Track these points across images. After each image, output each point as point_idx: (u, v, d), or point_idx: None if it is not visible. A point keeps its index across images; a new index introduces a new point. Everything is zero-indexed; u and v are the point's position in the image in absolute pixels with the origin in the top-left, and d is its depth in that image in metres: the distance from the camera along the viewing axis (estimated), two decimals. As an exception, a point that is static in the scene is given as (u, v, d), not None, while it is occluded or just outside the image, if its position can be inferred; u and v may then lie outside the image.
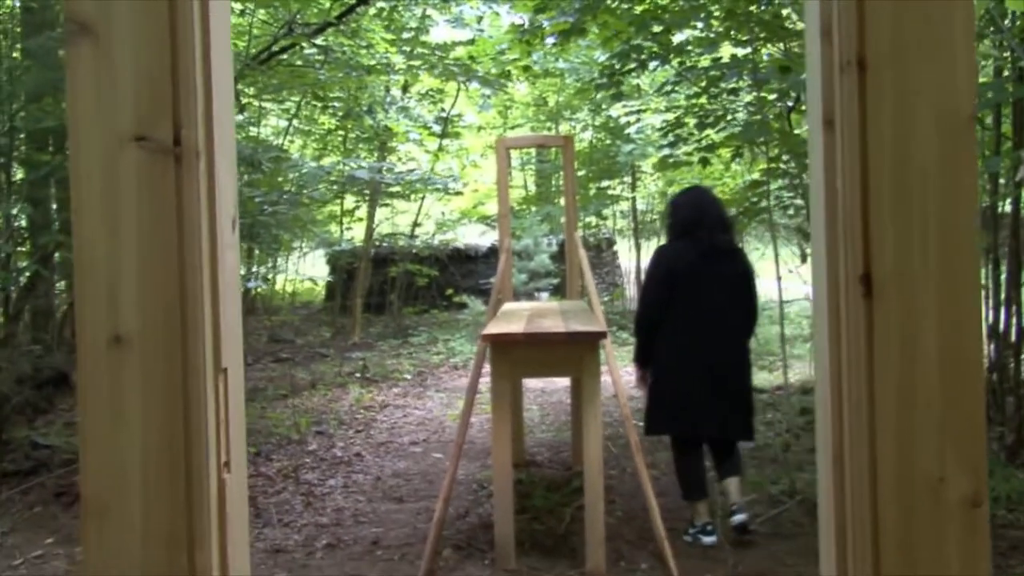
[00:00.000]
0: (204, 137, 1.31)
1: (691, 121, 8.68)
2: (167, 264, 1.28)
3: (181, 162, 1.29)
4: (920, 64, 1.29)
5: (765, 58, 7.79)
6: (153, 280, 1.27)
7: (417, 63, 12.18)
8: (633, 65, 8.04)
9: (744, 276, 5.88)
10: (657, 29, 7.60)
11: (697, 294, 5.69)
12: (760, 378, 11.51)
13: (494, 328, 5.67)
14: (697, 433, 5.78)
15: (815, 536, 5.48)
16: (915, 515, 1.28)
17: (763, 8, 7.43)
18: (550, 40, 8.99)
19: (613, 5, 7.70)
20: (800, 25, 7.89)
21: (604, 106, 16.87)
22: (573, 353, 5.41)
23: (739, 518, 5.60)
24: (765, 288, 15.85)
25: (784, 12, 7.81)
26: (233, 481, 1.36)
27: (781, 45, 8.08)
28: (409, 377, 12.41)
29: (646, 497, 5.43)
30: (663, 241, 6.49)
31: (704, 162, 8.63)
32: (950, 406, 1.27)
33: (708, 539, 5.61)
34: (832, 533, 1.40)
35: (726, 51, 8.14)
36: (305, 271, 20.26)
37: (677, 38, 7.93)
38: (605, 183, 17.73)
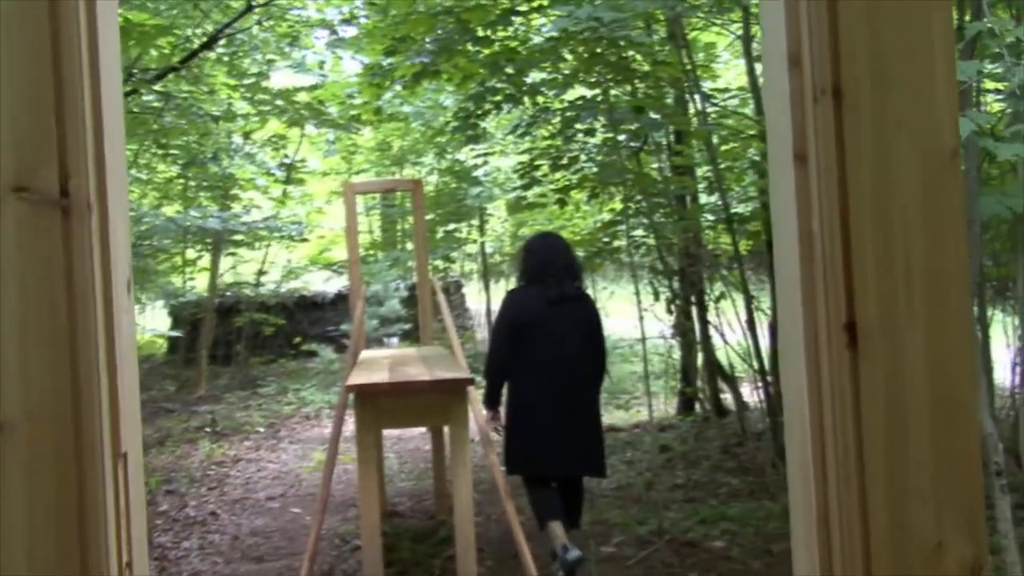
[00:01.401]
0: (96, 186, 1.13)
1: (545, 164, 8.66)
2: (55, 334, 1.09)
3: (70, 216, 1.10)
4: (900, 93, 1.19)
5: (617, 99, 7.82)
6: (39, 353, 1.08)
7: (265, 108, 11.93)
8: (488, 107, 7.99)
9: (591, 321, 6.03)
10: (510, 71, 7.56)
11: (544, 339, 5.79)
12: (616, 417, 11.57)
13: (358, 378, 5.51)
14: (547, 473, 5.85)
15: (687, 576, 5.46)
16: (912, 584, 1.18)
17: (608, 52, 7.46)
18: (400, 84, 8.90)
19: (466, 48, 7.64)
20: (645, 67, 7.96)
21: (450, 150, 16.85)
22: (440, 401, 5.30)
23: (574, 554, 5.50)
24: (619, 327, 16.11)
25: (630, 54, 7.86)
26: (136, 584, 1.19)
27: (628, 87, 8.14)
28: (261, 430, 12.06)
29: (517, 544, 5.31)
30: (512, 284, 6.58)
31: (561, 203, 8.62)
32: (944, 464, 1.17)
33: (572, 554, 5.47)
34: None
35: (577, 93, 8.15)
36: (146, 323, 19.66)
37: (530, 79, 7.91)
38: (452, 226, 17.67)
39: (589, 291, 7.86)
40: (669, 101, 8.82)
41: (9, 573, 1.09)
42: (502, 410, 6.10)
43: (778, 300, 1.35)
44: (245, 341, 17.02)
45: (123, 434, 1.16)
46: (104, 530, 1.10)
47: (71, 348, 1.10)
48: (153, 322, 20.26)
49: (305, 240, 17.94)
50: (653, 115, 7.82)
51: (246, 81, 12.33)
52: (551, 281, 5.92)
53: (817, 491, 1.21)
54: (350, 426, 6.85)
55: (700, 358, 9.98)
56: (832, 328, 1.18)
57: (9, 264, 1.08)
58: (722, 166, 8.53)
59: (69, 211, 1.11)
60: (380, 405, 5.26)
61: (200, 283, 17.71)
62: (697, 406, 10.45)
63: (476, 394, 5.81)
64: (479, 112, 8.31)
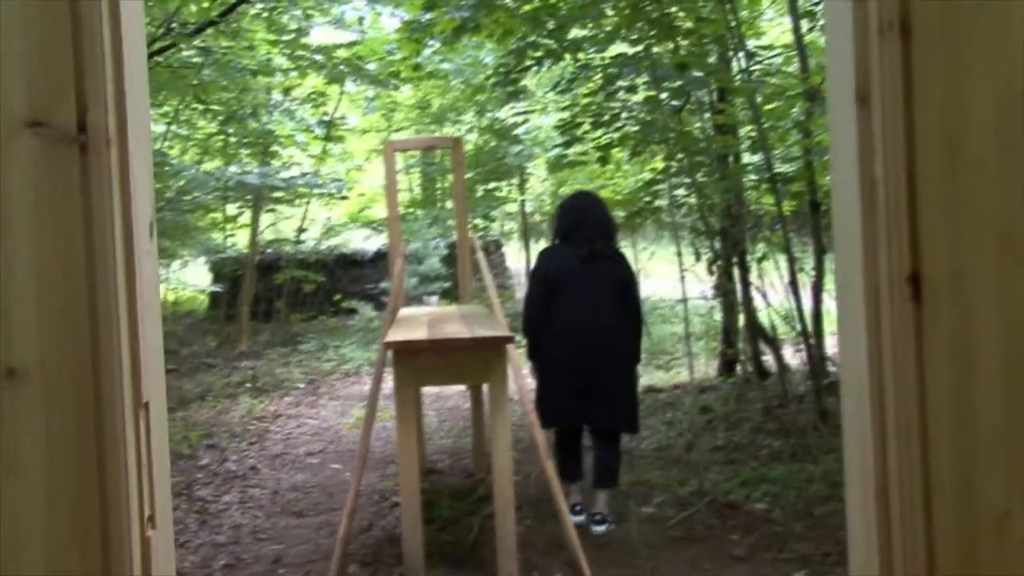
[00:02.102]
0: (116, 122, 1.06)
1: (587, 121, 8.55)
2: (73, 278, 1.03)
3: (88, 152, 1.03)
4: (974, 31, 1.08)
5: (659, 57, 7.70)
6: (55, 298, 1.02)
7: (303, 64, 11.86)
8: (529, 63, 7.89)
9: (623, 280, 6.12)
10: (551, 26, 7.46)
11: (574, 296, 5.93)
12: (657, 377, 11.50)
13: (396, 335, 5.47)
14: (573, 426, 6.09)
15: (727, 538, 5.42)
16: (978, 555, 1.09)
17: (650, 7, 7.34)
18: (439, 40, 8.81)
19: (506, 2, 7.54)
20: (688, 23, 7.83)
21: (491, 108, 16.75)
22: (479, 359, 5.23)
23: (598, 529, 5.87)
24: (660, 287, 16.01)
25: (672, 10, 7.73)
26: (159, 539, 1.13)
27: (671, 44, 8.02)
28: (301, 386, 12.09)
29: (556, 504, 5.27)
30: (549, 243, 6.65)
31: (602, 161, 8.52)
32: (1016, 430, 1.08)
33: (576, 519, 5.69)
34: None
35: (618, 49, 8.04)
36: (187, 279, 19.74)
37: (571, 35, 7.81)
38: (493, 185, 17.60)
39: (629, 250, 7.88)
40: (712, 60, 8.68)
41: (27, 526, 1.04)
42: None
43: (836, 251, 1.26)
44: (285, 298, 17.06)
45: (145, 382, 1.10)
46: (125, 482, 1.05)
47: (89, 292, 1.04)
48: (195, 278, 20.35)
49: (345, 198, 17.91)
50: (697, 73, 7.70)
51: (285, 37, 12.26)
52: (582, 239, 6.04)
53: (876, 457, 1.12)
54: (389, 383, 6.83)
55: (741, 319, 9.87)
56: (895, 281, 1.09)
57: (24, 203, 1.02)
58: (766, 125, 8.39)
59: (87, 147, 1.04)
60: (419, 362, 5.21)
61: (241, 239, 17.73)
62: (738, 368, 10.34)
63: (516, 352, 5.78)
64: (519, 68, 8.21)
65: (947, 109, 1.10)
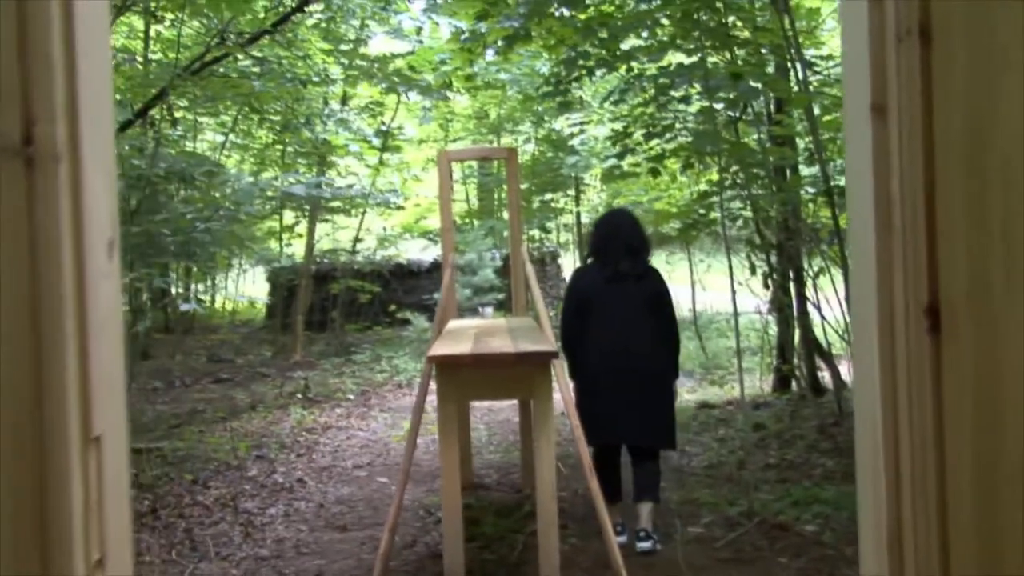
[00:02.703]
0: (67, 134, 0.98)
1: (638, 132, 8.46)
2: (14, 303, 0.96)
3: (34, 167, 0.96)
4: (1000, 34, 0.97)
5: (714, 67, 7.59)
6: None
7: (354, 73, 11.88)
8: (580, 72, 7.81)
9: (655, 296, 6.11)
10: (603, 35, 7.37)
11: (603, 314, 5.99)
12: (710, 393, 11.37)
13: (440, 348, 5.40)
14: (610, 444, 6.05)
15: (776, 560, 5.28)
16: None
17: (706, 17, 7.23)
18: (492, 50, 8.76)
19: (558, 13, 7.46)
20: (745, 33, 7.72)
21: (547, 118, 16.71)
22: (523, 374, 5.15)
23: (643, 546, 5.77)
24: (715, 300, 15.83)
25: (729, 20, 7.62)
26: (109, 584, 1.06)
27: (727, 54, 7.91)
28: (352, 397, 12.08)
29: (601, 522, 5.17)
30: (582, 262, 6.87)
31: (654, 172, 8.42)
32: None
33: (618, 539, 5.43)
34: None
35: (673, 59, 7.94)
36: (245, 289, 19.91)
37: (624, 46, 7.71)
38: (548, 196, 17.55)
39: (683, 263, 7.78)
40: (770, 70, 8.55)
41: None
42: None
43: (851, 276, 1.15)
44: (341, 308, 17.10)
45: (97, 415, 1.02)
46: (69, 524, 0.98)
47: (32, 317, 0.96)
48: (252, 287, 20.50)
49: (401, 208, 17.96)
50: (752, 83, 7.58)
51: (343, 47, 12.29)
52: (609, 259, 6.10)
53: (889, 505, 1.02)
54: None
55: (797, 334, 9.72)
56: (911, 311, 0.98)
57: (-39, 222, 0.96)
58: (824, 137, 8.26)
59: (33, 161, 0.97)
60: (462, 377, 5.14)
61: (297, 249, 17.82)
62: (793, 384, 10.19)
63: (563, 367, 5.70)
64: (570, 78, 8.12)
65: (970, 121, 0.98)
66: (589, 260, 6.40)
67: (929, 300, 0.98)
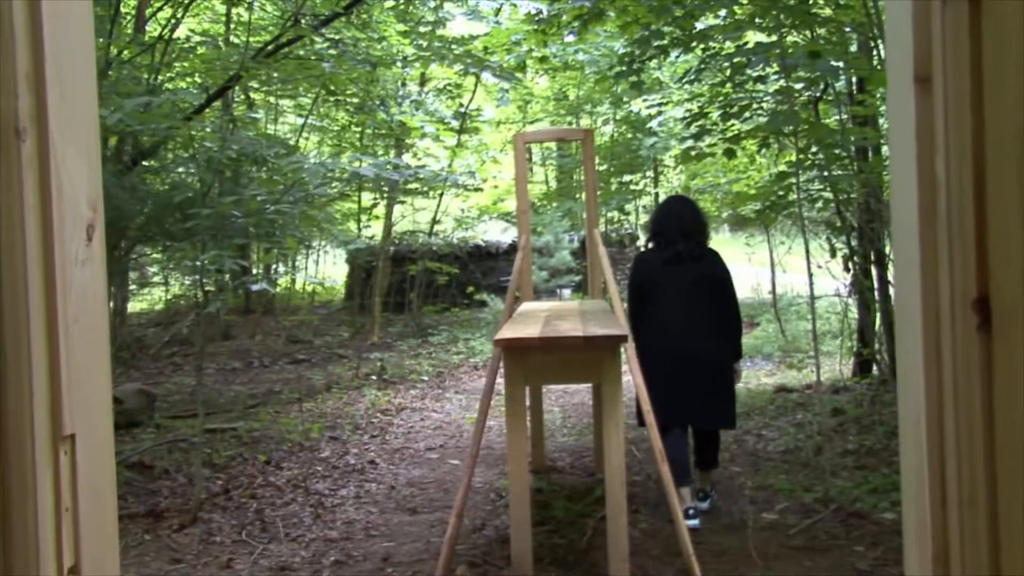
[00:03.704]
0: (33, 109, 0.92)
1: (714, 112, 8.31)
2: None
3: None
4: None
5: (794, 45, 7.42)
6: None
7: (427, 54, 11.83)
8: (654, 52, 7.68)
9: (714, 278, 6.25)
10: (679, 13, 7.24)
11: (662, 297, 6.21)
12: (789, 376, 11.21)
13: (507, 332, 5.35)
14: (671, 422, 6.10)
15: (851, 549, 5.17)
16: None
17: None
18: (567, 30, 8.66)
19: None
20: (827, 11, 7.54)
21: (625, 100, 16.56)
22: (592, 358, 5.08)
23: (700, 505, 6.16)
24: (795, 282, 15.61)
25: (810, -3, 7.45)
26: (85, 591, 1.00)
27: (808, 32, 7.73)
28: (427, 378, 12.10)
29: (672, 510, 5.09)
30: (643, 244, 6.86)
31: (729, 153, 8.27)
32: None
33: (691, 523, 5.76)
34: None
35: (750, 38, 7.78)
36: (325, 270, 20.03)
37: (700, 25, 7.57)
38: (627, 177, 17.40)
39: (763, 245, 7.70)
40: (853, 48, 8.35)
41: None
42: None
43: (895, 268, 1.05)
44: (418, 289, 17.14)
45: (67, 412, 0.96)
46: (35, 528, 0.92)
47: (-8, 307, 0.91)
48: (333, 268, 20.63)
49: (479, 190, 17.93)
50: (833, 62, 7.40)
51: (422, 29, 12.26)
52: (666, 242, 6.32)
53: (934, 514, 0.93)
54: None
55: (878, 318, 9.51)
56: (958, 305, 0.88)
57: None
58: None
59: (-8, 136, 0.91)
60: (529, 360, 5.08)
61: (376, 231, 17.88)
62: (874, 368, 9.99)
63: (634, 349, 5.63)
64: (644, 58, 7.99)
65: (1024, 90, 0.88)
66: (649, 245, 6.58)
67: (978, 293, 0.88)
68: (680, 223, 6.35)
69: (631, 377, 5.63)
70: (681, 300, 6.16)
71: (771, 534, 5.77)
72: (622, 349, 5.28)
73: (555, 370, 5.31)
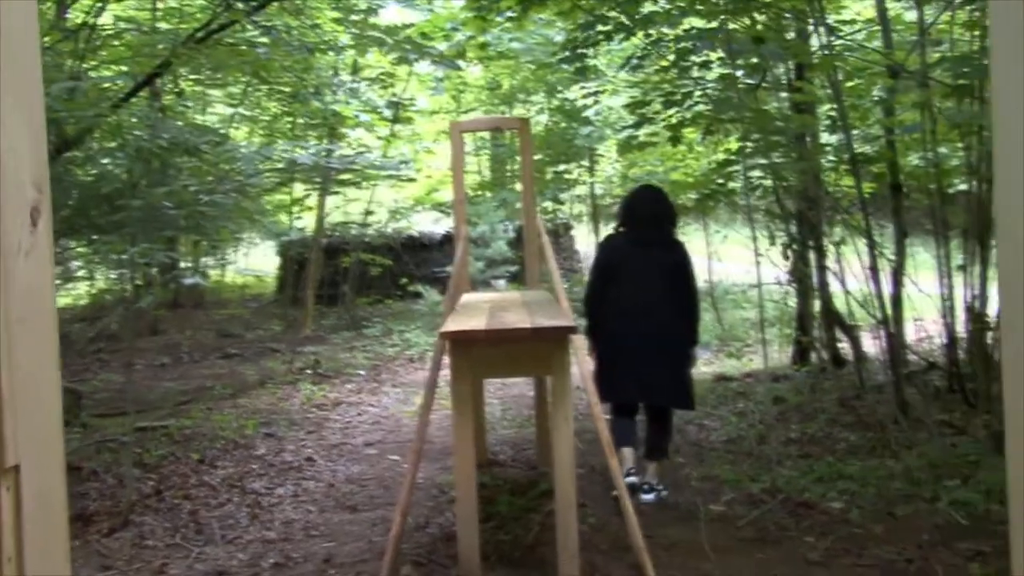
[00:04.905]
0: None
1: (657, 101, 8.22)
2: None
3: None
4: None
5: (734, 32, 7.33)
6: None
7: (366, 43, 11.62)
8: (598, 38, 7.55)
9: (677, 266, 6.48)
10: (622, -1, 7.13)
11: (628, 280, 6.37)
12: (728, 365, 11.20)
13: (453, 324, 5.20)
14: (629, 401, 6.45)
15: (802, 540, 5.10)
16: None
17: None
18: (505, 16, 8.51)
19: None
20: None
21: (560, 88, 16.45)
22: (540, 350, 4.96)
23: (646, 498, 6.20)
24: (732, 271, 15.64)
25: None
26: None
27: (747, 19, 7.66)
28: (363, 372, 11.89)
29: (621, 501, 4.99)
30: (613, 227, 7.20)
31: (674, 141, 8.20)
32: None
33: (645, 497, 6.19)
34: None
35: (692, 24, 7.68)
36: (256, 263, 19.73)
37: (644, 10, 7.45)
38: (562, 167, 17.28)
39: (700, 233, 7.79)
40: (791, 35, 8.30)
41: None
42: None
43: (999, 238, 0.90)
44: (351, 281, 16.92)
45: (9, 437, 0.78)
46: None
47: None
48: (263, 260, 20.33)
49: (412, 180, 17.74)
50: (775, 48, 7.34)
51: (353, 17, 12.02)
52: (635, 228, 6.57)
53: None
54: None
55: (817, 305, 9.51)
56: None
57: None
58: (846, 103, 8.03)
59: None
60: (476, 353, 4.95)
61: (308, 222, 17.63)
62: (813, 356, 9.99)
63: (581, 342, 5.54)
64: (588, 43, 7.86)
65: None
66: (620, 229, 6.75)
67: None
68: (651, 210, 6.60)
69: (577, 368, 5.52)
70: (645, 283, 6.34)
71: (720, 526, 5.71)
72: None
73: (502, 363, 5.20)
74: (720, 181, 9.08)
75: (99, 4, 9.27)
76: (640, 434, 6.57)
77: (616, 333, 6.37)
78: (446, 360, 5.16)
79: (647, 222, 6.55)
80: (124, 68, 9.61)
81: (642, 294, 6.33)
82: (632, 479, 6.14)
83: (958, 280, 7.72)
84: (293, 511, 6.37)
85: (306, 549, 5.60)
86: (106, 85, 8.77)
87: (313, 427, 8.84)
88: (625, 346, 6.30)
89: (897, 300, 7.99)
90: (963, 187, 7.92)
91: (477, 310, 5.91)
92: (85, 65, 9.02)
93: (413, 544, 5.51)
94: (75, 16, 10.26)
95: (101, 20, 9.59)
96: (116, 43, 9.55)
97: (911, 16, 8.71)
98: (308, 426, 8.87)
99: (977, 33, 7.43)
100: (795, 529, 5.60)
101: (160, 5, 10.68)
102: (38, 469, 0.81)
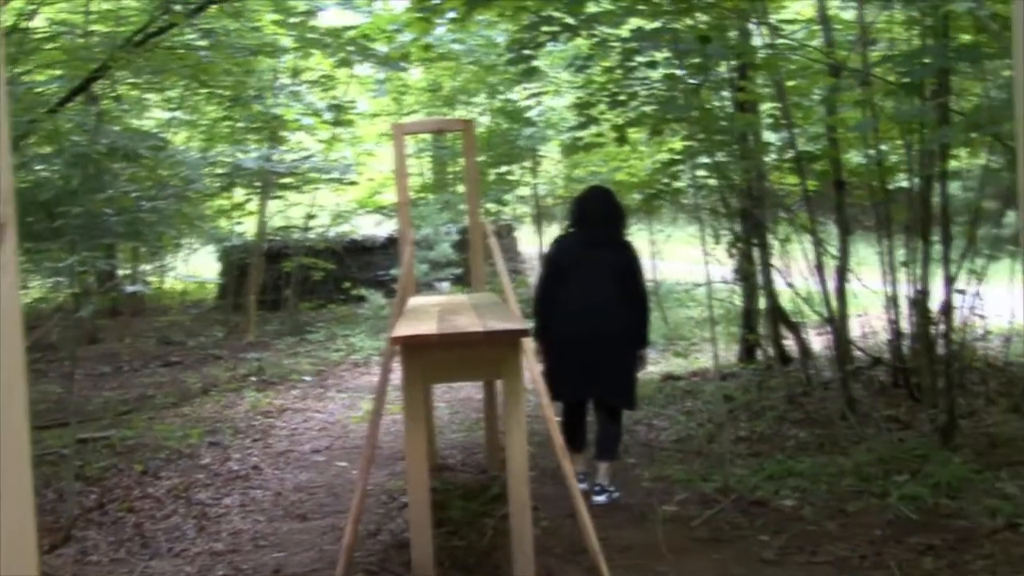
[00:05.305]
0: None
1: (603, 100, 8.19)
2: None
3: None
4: None
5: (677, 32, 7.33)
6: None
7: (308, 45, 11.51)
8: (543, 38, 7.51)
9: (626, 266, 6.53)
10: (566, -1, 7.08)
11: (578, 280, 6.39)
12: (675, 364, 11.22)
13: (404, 328, 5.14)
14: (577, 400, 6.51)
15: (756, 539, 5.11)
16: None
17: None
18: (449, 16, 8.44)
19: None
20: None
21: (502, 89, 16.43)
22: (493, 354, 4.92)
23: (598, 499, 6.25)
24: (675, 270, 15.72)
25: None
26: None
27: (689, 19, 7.66)
28: (308, 378, 11.76)
29: (574, 503, 4.94)
30: (562, 228, 7.48)
31: (620, 141, 8.18)
32: None
33: (597, 499, 6.24)
34: None
35: (636, 24, 7.66)
36: (196, 269, 19.50)
37: (588, 10, 7.42)
38: (505, 168, 17.25)
39: (644, 233, 7.83)
40: (732, 34, 8.32)
41: None
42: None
43: None
44: (294, 286, 16.76)
45: None
46: None
47: None
48: (203, 267, 20.10)
49: (354, 183, 17.61)
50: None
51: (292, 19, 11.89)
52: (586, 228, 6.58)
53: None
54: (399, 375, 6.54)
55: (763, 303, 9.54)
56: None
57: None
58: (790, 102, 8.07)
59: None
60: (428, 358, 4.89)
61: (248, 227, 17.45)
62: (760, 353, 10.03)
63: (530, 345, 5.50)
64: (533, 44, 7.81)
65: None
66: (570, 230, 6.77)
67: None
68: (602, 211, 6.62)
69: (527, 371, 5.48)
70: (594, 282, 6.35)
71: (674, 526, 5.71)
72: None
73: (454, 367, 5.13)
74: (665, 181, 9.08)
75: (32, 6, 9.09)
76: (590, 435, 6.57)
77: (566, 333, 6.37)
78: (395, 366, 5.10)
79: (597, 223, 6.56)
80: (59, 72, 9.42)
81: (592, 294, 6.33)
82: (582, 486, 6.05)
83: (902, 275, 7.79)
84: (241, 521, 6.27)
85: (256, 560, 5.51)
86: (39, 90, 8.59)
87: (259, 435, 8.72)
88: (574, 345, 6.31)
89: (842, 296, 8.05)
90: (905, 184, 7.98)
91: (426, 314, 5.85)
92: (18, 69, 8.84)
93: (365, 552, 5.45)
94: (6, 19, 10.07)
95: (34, 23, 9.39)
96: (49, 47, 9.35)
97: (849, 15, 8.78)
98: (254, 434, 8.75)
99: (917, 31, 7.49)
100: (749, 528, 5.61)
101: (94, 8, 10.45)
102: (6, 515, 0.75)
